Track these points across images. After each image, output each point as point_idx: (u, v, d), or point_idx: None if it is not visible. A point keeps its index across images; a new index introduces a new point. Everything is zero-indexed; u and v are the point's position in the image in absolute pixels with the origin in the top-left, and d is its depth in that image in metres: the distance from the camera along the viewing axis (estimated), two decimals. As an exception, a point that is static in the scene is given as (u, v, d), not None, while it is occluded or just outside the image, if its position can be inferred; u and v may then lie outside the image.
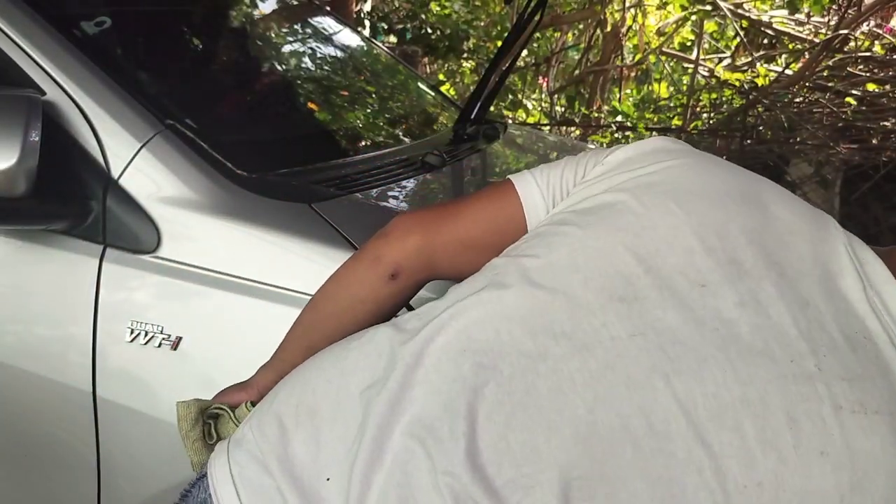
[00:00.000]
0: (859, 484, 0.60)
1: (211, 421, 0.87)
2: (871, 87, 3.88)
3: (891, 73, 3.90)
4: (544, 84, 5.84)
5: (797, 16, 4.46)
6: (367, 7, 5.60)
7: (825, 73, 4.01)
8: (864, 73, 3.93)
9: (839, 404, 0.62)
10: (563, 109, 5.54)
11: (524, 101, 5.69)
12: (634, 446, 0.62)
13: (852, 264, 0.69)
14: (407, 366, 0.70)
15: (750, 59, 4.52)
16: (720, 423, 0.62)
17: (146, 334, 1.13)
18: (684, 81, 5.30)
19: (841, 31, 3.90)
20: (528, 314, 0.69)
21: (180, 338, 1.11)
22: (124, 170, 1.18)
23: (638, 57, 5.29)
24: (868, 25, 4.03)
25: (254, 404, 0.86)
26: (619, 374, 0.64)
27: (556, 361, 0.66)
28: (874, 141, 3.67)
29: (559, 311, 0.68)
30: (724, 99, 4.63)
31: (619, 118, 4.98)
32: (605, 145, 4.66)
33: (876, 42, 4.01)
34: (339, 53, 2.18)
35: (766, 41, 4.88)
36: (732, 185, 0.75)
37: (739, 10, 4.59)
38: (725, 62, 4.89)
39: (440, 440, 0.65)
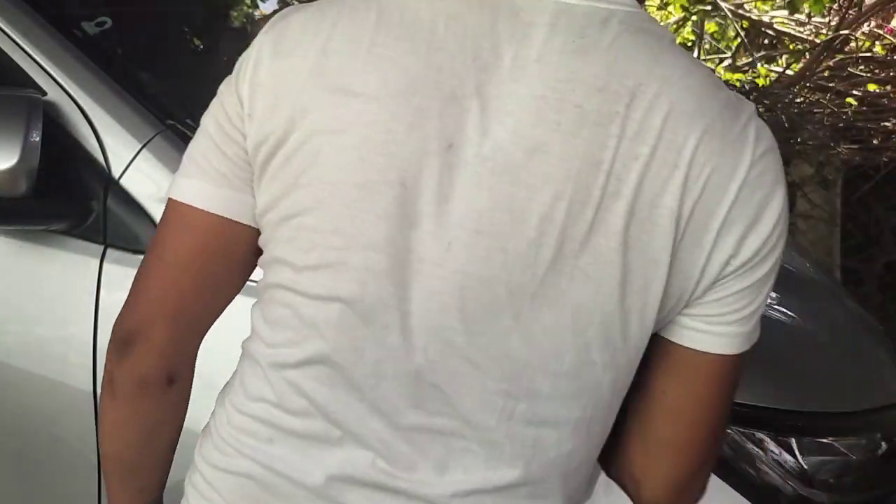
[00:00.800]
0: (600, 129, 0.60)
1: None
2: (871, 87, 3.88)
3: (892, 74, 3.89)
4: (545, 84, 5.83)
5: (798, 16, 4.45)
6: (368, 7, 5.59)
7: (826, 74, 4.01)
8: (864, 74, 3.93)
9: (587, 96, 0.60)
10: (563, 110, 5.53)
11: (525, 101, 5.68)
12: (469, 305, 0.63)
13: None
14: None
15: (751, 59, 4.52)
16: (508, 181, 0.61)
17: (147, 334, 1.12)
18: (685, 82, 5.29)
19: (842, 32, 3.89)
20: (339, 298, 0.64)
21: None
22: (125, 170, 1.19)
23: (638, 57, 5.28)
24: (869, 26, 4.03)
25: None
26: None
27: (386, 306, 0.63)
28: (875, 141, 3.67)
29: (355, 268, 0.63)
30: (724, 99, 4.62)
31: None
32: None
33: (877, 42, 4.01)
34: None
35: (766, 41, 4.87)
36: (385, 18, 0.62)
37: (740, 11, 4.58)
38: (726, 62, 4.88)
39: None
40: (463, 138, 0.61)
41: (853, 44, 4.00)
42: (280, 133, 0.63)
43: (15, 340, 1.25)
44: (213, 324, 0.76)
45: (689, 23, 4.96)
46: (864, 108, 3.82)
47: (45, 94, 1.21)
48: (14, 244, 1.23)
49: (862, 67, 3.98)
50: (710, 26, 4.98)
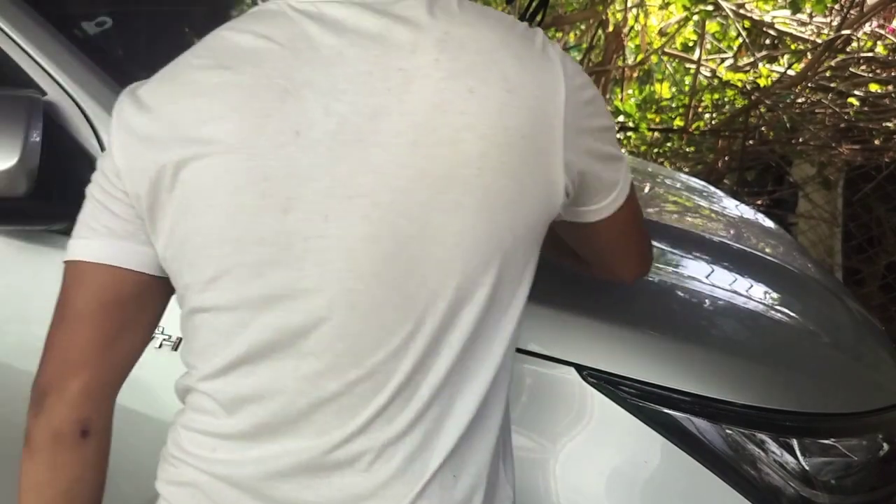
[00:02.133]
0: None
1: None
2: (873, 87, 3.87)
3: (893, 74, 3.89)
4: (546, 84, 5.83)
5: (799, 16, 4.45)
6: (369, 7, 5.59)
7: (827, 74, 4.00)
8: (866, 74, 3.92)
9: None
10: (564, 110, 5.52)
11: (526, 101, 5.67)
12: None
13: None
14: None
15: (752, 59, 4.52)
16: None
17: (147, 335, 1.12)
18: (686, 82, 5.29)
19: (843, 32, 3.89)
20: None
21: (181, 338, 1.11)
22: (125, 170, 1.18)
23: (640, 57, 5.28)
24: (871, 26, 4.02)
25: None
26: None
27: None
28: (877, 142, 3.66)
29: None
30: (726, 99, 4.62)
31: (621, 118, 4.97)
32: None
33: (878, 42, 4.00)
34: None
35: (768, 41, 4.87)
36: (216, 58, 0.73)
37: (741, 11, 4.58)
38: (728, 62, 4.88)
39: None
40: (307, 123, 0.68)
41: (855, 44, 4.00)
42: (153, 176, 0.69)
43: (15, 340, 1.25)
44: (127, 373, 0.80)
45: (691, 22, 4.96)
46: (866, 109, 3.82)
47: (45, 94, 1.21)
48: (14, 244, 1.23)
49: (864, 67, 3.98)
50: (712, 26, 4.98)
